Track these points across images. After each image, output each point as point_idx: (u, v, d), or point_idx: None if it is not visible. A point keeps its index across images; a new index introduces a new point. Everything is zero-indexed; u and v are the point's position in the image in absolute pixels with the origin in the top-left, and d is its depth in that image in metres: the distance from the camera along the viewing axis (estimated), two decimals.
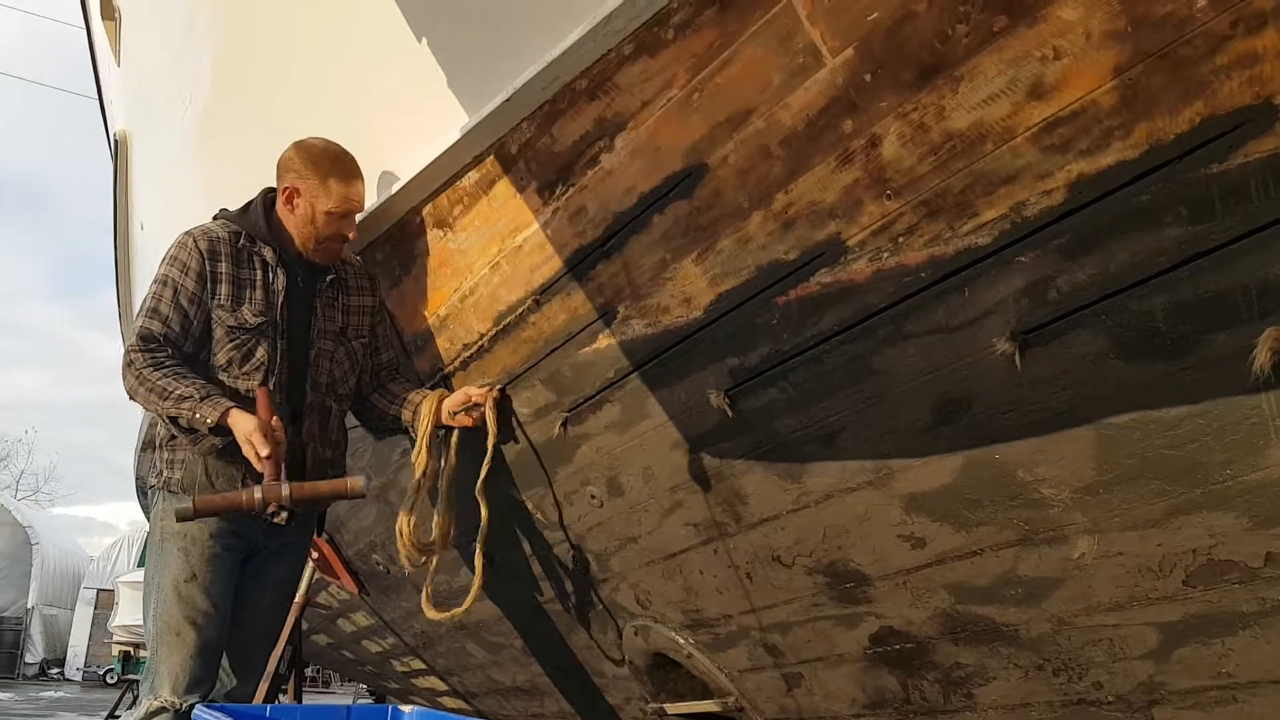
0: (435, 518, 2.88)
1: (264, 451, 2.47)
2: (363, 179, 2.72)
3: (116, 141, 6.16)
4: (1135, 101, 1.56)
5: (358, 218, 2.77)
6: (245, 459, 2.56)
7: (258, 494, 2.47)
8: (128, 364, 2.59)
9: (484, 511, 2.77)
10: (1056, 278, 1.73)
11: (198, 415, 2.51)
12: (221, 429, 2.53)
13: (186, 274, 2.65)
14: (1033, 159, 1.68)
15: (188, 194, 4.23)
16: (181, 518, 2.47)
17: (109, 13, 5.80)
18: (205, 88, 3.76)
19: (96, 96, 7.84)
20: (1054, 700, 2.23)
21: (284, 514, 2.66)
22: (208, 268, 2.66)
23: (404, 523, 2.86)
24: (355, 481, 2.61)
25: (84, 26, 7.17)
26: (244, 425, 2.50)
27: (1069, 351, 1.77)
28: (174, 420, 2.57)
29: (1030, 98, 1.64)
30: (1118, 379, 1.75)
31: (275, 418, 2.55)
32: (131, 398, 2.62)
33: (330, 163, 2.68)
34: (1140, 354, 1.71)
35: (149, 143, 5.30)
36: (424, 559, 2.92)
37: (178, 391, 2.52)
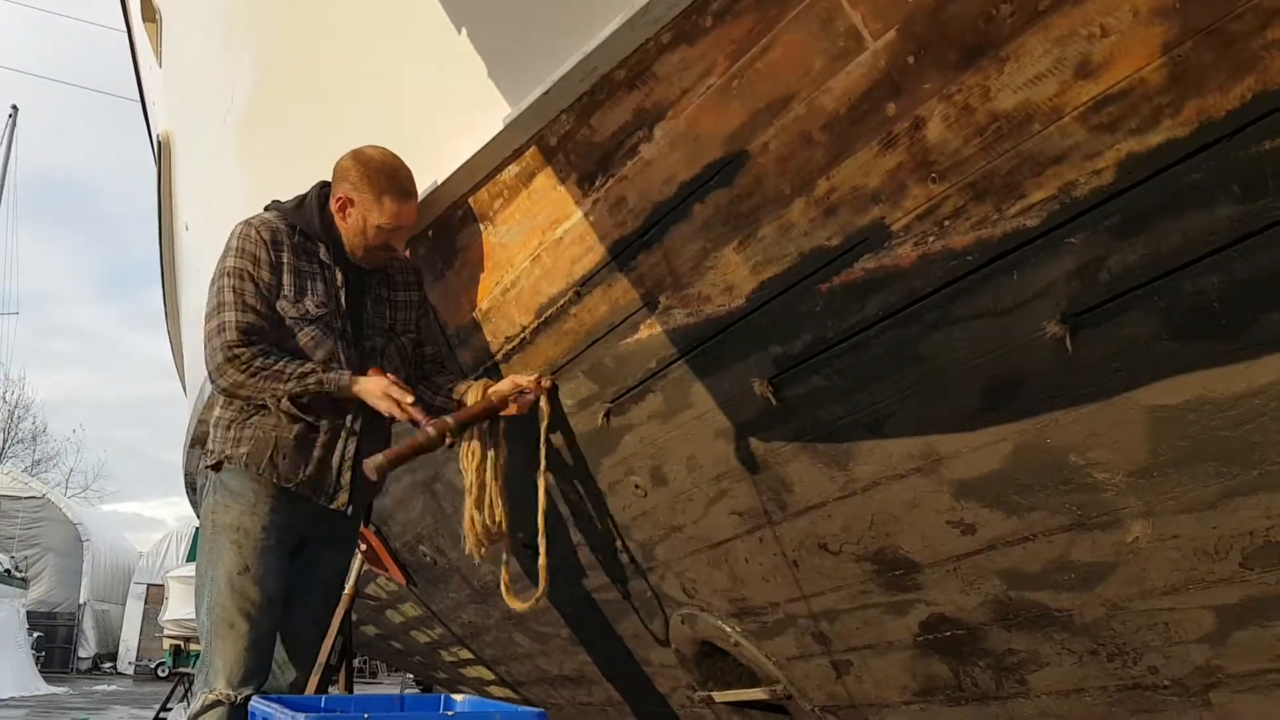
0: (491, 507, 2.88)
1: (408, 399, 2.56)
2: (416, 195, 2.71)
3: (159, 143, 6.24)
4: (1185, 79, 1.54)
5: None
6: (311, 444, 2.66)
7: (431, 430, 2.53)
8: (230, 359, 2.58)
9: (542, 498, 2.76)
10: (1107, 259, 1.70)
11: (328, 383, 2.60)
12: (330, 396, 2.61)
13: (259, 266, 2.66)
14: (1081, 139, 1.65)
15: (231, 193, 4.28)
16: (378, 471, 2.51)
17: (150, 15, 5.87)
18: (247, 86, 3.80)
19: (139, 98, 7.95)
20: (1109, 685, 2.21)
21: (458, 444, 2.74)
22: (273, 257, 2.68)
23: (471, 512, 2.84)
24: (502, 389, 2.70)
25: (125, 29, 7.26)
26: (377, 383, 2.59)
27: (1121, 333, 1.75)
28: (296, 398, 2.61)
29: (1078, 77, 1.62)
30: (1171, 360, 1.72)
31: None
32: (234, 392, 2.63)
33: (386, 179, 2.66)
34: (1194, 335, 1.68)
35: (192, 143, 5.36)
36: (491, 546, 2.91)
37: (297, 370, 2.59)
